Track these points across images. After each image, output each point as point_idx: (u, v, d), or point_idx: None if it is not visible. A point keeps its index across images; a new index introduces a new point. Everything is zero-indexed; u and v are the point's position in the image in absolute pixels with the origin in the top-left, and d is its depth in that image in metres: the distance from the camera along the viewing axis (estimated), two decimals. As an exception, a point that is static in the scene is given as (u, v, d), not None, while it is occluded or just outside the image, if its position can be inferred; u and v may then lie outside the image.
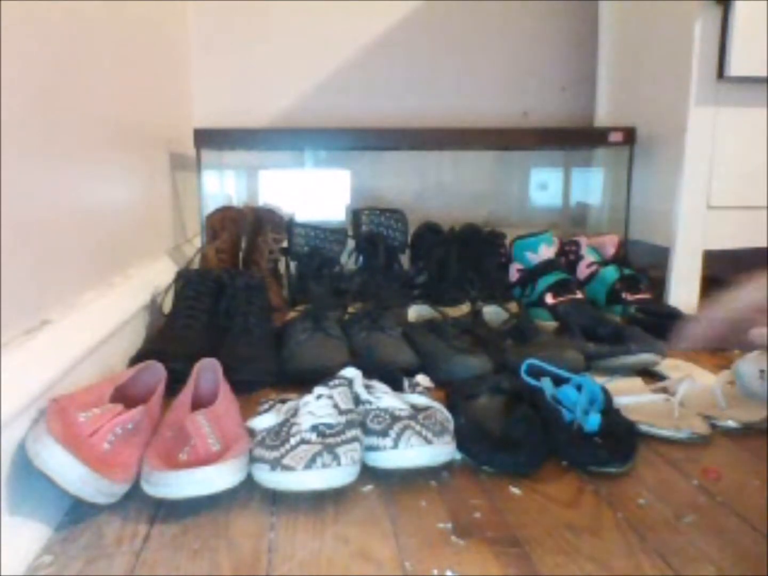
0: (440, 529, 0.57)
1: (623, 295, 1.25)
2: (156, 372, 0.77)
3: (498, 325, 1.07)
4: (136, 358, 0.84)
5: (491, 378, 0.85)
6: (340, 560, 0.53)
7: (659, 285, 1.33)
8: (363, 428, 0.67)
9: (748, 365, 0.85)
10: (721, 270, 1.60)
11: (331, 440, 0.62)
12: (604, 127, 1.59)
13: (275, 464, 0.60)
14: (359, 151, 1.73)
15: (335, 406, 0.66)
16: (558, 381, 0.79)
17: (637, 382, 0.91)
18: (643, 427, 0.76)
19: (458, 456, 0.69)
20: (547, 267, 1.26)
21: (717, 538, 0.55)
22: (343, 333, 1.01)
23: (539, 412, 0.74)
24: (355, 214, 1.43)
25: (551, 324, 1.12)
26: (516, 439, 0.69)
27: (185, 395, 0.72)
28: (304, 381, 0.81)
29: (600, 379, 0.91)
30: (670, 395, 0.82)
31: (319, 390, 0.69)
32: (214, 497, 0.58)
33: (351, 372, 0.73)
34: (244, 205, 1.47)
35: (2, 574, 0.48)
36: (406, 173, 1.77)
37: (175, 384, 0.77)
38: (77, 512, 0.58)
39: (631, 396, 0.83)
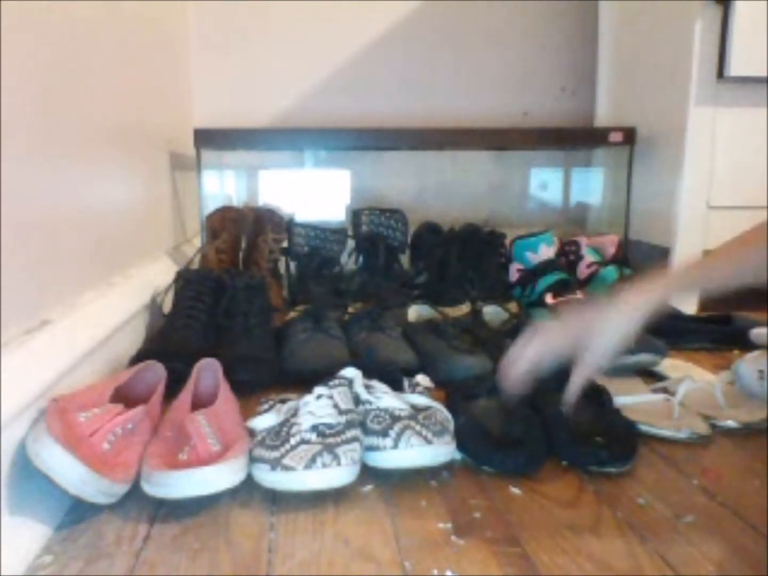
0: (440, 529, 0.57)
1: (623, 295, 1.24)
2: (156, 372, 0.77)
3: (498, 325, 1.07)
4: (136, 358, 0.84)
5: (491, 378, 0.85)
6: (340, 560, 0.53)
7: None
8: (363, 428, 0.67)
9: (747, 365, 0.85)
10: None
11: (331, 440, 0.62)
12: (604, 127, 1.59)
13: (275, 464, 0.60)
14: (359, 151, 1.73)
15: (335, 406, 0.66)
16: None
17: (638, 382, 0.91)
18: (643, 427, 0.76)
19: (458, 456, 0.69)
20: (547, 267, 1.26)
21: (717, 538, 0.55)
22: (343, 333, 1.01)
23: (539, 412, 0.74)
24: (355, 214, 1.43)
25: (551, 324, 1.12)
26: (516, 439, 0.69)
27: (185, 395, 0.72)
28: (304, 381, 0.81)
29: (608, 379, 0.91)
30: (670, 395, 0.82)
31: (319, 390, 0.69)
32: (214, 497, 0.58)
33: (351, 372, 0.73)
34: (244, 205, 1.47)
35: (2, 574, 0.48)
36: (406, 173, 1.77)
37: (175, 384, 0.77)
38: (77, 512, 0.58)
39: (631, 396, 0.83)
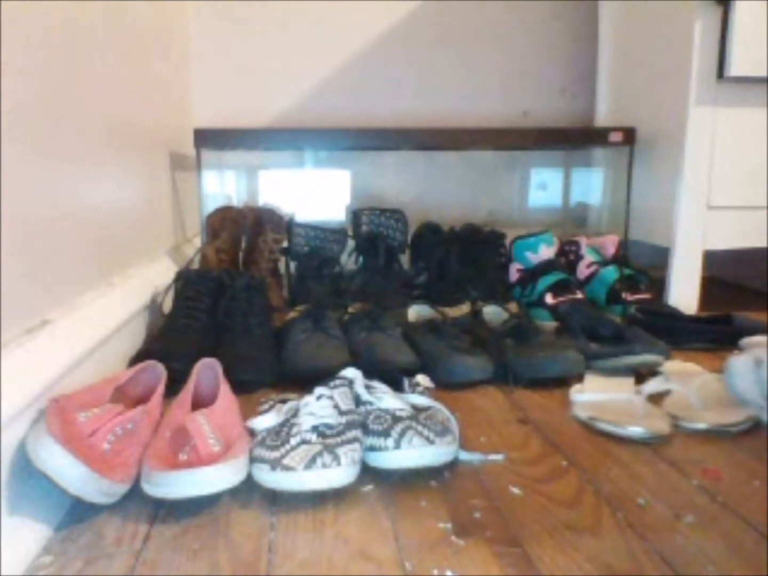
0: (440, 529, 0.57)
1: (623, 295, 1.25)
2: (156, 372, 0.77)
3: (498, 325, 1.07)
4: (136, 358, 0.85)
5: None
6: (340, 560, 0.53)
7: (659, 285, 1.33)
8: (364, 429, 0.67)
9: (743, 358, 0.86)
10: (721, 270, 1.60)
11: (331, 440, 0.62)
12: (604, 127, 1.59)
13: (275, 464, 0.60)
14: (359, 151, 1.73)
15: (336, 406, 0.66)
16: None
17: (628, 381, 0.90)
18: (601, 425, 0.76)
19: (461, 456, 0.69)
20: (547, 267, 1.26)
21: (717, 538, 0.55)
22: (343, 333, 1.01)
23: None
24: (355, 214, 1.43)
25: (551, 324, 1.12)
26: None
27: (185, 395, 0.72)
28: (304, 381, 0.81)
29: (599, 378, 0.91)
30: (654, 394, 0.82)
31: (319, 390, 0.69)
32: (214, 497, 0.58)
33: (351, 372, 0.73)
34: (244, 205, 1.47)
35: (2, 574, 0.48)
36: (406, 173, 1.77)
37: (175, 384, 0.77)
38: (77, 512, 0.58)
39: (600, 393, 0.84)
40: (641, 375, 0.93)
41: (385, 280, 1.34)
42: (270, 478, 0.61)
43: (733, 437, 0.76)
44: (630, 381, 0.90)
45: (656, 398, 0.84)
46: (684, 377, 0.89)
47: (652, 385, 0.82)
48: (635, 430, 0.74)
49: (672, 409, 0.80)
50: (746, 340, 1.03)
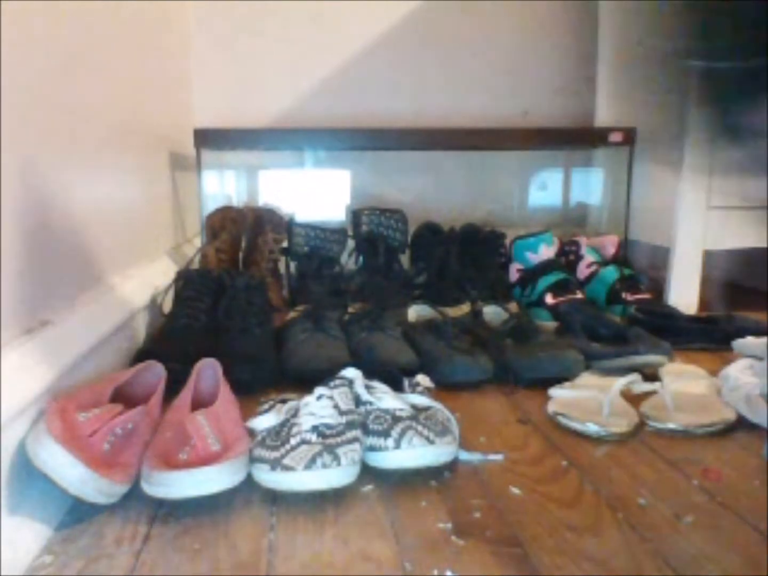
0: (440, 529, 0.57)
1: (623, 295, 1.25)
2: (156, 372, 0.77)
3: (498, 325, 1.07)
4: (136, 358, 0.85)
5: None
6: (340, 560, 0.53)
7: (659, 285, 1.33)
8: (364, 429, 0.67)
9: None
10: (722, 270, 1.60)
11: (331, 441, 0.62)
12: (604, 127, 1.59)
13: (275, 464, 0.60)
14: (359, 151, 1.73)
15: (336, 406, 0.66)
16: None
17: (618, 381, 0.90)
18: (564, 420, 0.78)
19: (461, 456, 0.69)
20: (547, 267, 1.26)
21: (717, 538, 0.55)
22: (343, 333, 1.01)
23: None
24: (355, 214, 1.43)
25: (551, 324, 1.12)
26: None
27: (185, 395, 0.72)
28: (304, 381, 0.81)
29: (590, 377, 0.91)
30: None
31: (319, 390, 0.69)
32: (214, 497, 0.58)
33: (351, 372, 0.73)
34: (244, 205, 1.47)
35: (2, 574, 0.48)
36: (406, 173, 1.77)
37: (175, 384, 0.77)
38: (77, 512, 0.58)
39: (576, 390, 0.85)
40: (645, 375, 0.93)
41: (385, 280, 1.34)
42: (270, 478, 0.61)
43: (733, 437, 0.76)
44: (619, 381, 0.90)
45: (643, 397, 0.85)
46: (671, 378, 0.89)
47: (619, 383, 0.84)
48: (592, 428, 0.76)
49: (647, 409, 0.81)
50: (738, 342, 1.04)
